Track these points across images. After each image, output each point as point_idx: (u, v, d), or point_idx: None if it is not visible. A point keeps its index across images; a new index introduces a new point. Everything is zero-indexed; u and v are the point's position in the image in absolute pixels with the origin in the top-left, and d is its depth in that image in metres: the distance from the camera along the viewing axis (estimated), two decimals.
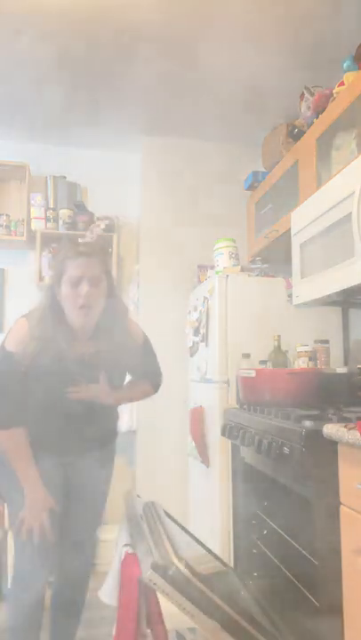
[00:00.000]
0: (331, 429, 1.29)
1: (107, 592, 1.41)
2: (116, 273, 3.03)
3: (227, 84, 2.57)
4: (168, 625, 1.28)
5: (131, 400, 1.84)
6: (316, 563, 1.34)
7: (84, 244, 1.64)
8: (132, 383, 1.79)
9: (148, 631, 1.25)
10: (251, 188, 2.94)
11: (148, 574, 1.12)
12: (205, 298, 2.51)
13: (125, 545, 1.34)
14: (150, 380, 1.77)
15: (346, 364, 2.37)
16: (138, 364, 1.71)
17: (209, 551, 1.71)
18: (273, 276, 2.54)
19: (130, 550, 1.30)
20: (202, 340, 2.54)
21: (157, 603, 1.25)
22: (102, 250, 1.72)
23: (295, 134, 2.43)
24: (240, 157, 3.17)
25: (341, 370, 2.08)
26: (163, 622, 1.25)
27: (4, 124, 2.96)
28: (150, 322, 2.98)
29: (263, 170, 2.84)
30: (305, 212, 1.94)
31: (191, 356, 2.82)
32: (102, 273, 1.50)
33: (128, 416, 2.93)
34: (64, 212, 3.01)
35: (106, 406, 1.64)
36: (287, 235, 2.17)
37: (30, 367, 1.47)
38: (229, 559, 2.12)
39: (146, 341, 1.75)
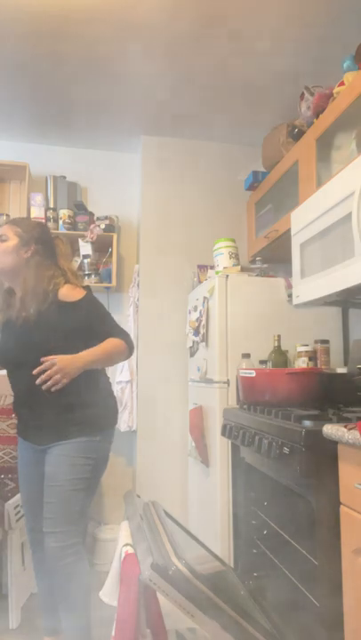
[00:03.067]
0: (331, 429, 1.29)
1: (107, 592, 1.41)
2: (115, 273, 3.04)
3: (227, 84, 2.57)
4: (168, 625, 1.28)
5: (98, 357, 1.71)
6: (316, 563, 1.34)
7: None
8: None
9: (148, 631, 1.25)
10: (251, 188, 2.95)
11: (148, 574, 1.12)
12: (205, 298, 2.51)
13: (125, 545, 1.34)
14: (117, 336, 1.76)
15: (346, 364, 2.37)
16: (84, 324, 1.73)
17: (209, 551, 1.71)
18: (273, 276, 2.54)
19: (130, 550, 1.31)
20: (202, 340, 2.54)
21: (157, 603, 1.25)
22: (21, 221, 1.85)
23: (295, 134, 2.43)
24: (240, 157, 3.17)
25: (341, 370, 2.08)
26: (163, 622, 1.25)
27: (4, 124, 2.96)
28: (150, 322, 2.99)
29: (263, 170, 2.84)
30: (305, 211, 1.94)
31: (191, 355, 2.82)
32: (14, 235, 1.77)
33: (128, 416, 2.93)
34: (64, 212, 3.01)
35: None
36: (287, 235, 2.17)
37: None
38: (229, 559, 2.12)
39: (88, 308, 1.77)
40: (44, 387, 1.65)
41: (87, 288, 1.83)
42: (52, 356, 1.65)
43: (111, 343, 1.75)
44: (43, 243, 1.81)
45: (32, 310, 1.70)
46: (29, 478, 1.84)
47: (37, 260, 1.77)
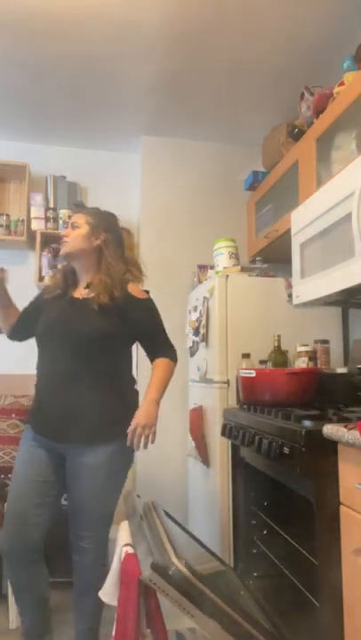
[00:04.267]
0: (331, 429, 1.29)
1: (107, 592, 1.41)
2: None
3: (227, 84, 2.57)
4: (168, 625, 1.28)
5: (162, 389, 1.79)
6: (316, 563, 1.34)
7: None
8: (152, 369, 1.83)
9: (148, 631, 1.25)
10: (251, 188, 2.94)
11: (148, 574, 1.12)
12: (205, 298, 2.51)
13: (125, 545, 1.34)
14: (163, 353, 1.84)
15: (346, 364, 2.37)
16: (140, 324, 1.81)
17: (209, 551, 1.71)
18: (273, 276, 2.54)
19: (130, 550, 1.31)
20: (202, 340, 2.54)
21: (157, 603, 1.25)
22: (96, 213, 1.94)
23: (295, 134, 2.43)
24: (240, 157, 3.17)
25: (341, 370, 2.07)
26: (163, 622, 1.25)
27: (4, 124, 2.96)
28: None
29: (263, 170, 2.84)
30: (305, 211, 1.94)
31: (191, 356, 2.82)
32: (85, 223, 1.83)
33: None
34: (64, 212, 3.01)
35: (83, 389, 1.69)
36: (287, 235, 2.17)
37: (43, 304, 1.88)
38: (229, 559, 2.12)
39: (152, 309, 1.87)
40: (137, 449, 1.68)
41: (147, 292, 1.92)
42: (131, 426, 1.66)
43: (163, 369, 1.81)
44: (112, 232, 1.88)
45: (106, 295, 1.74)
46: (35, 486, 1.68)
47: (108, 248, 1.84)
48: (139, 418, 1.67)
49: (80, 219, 1.85)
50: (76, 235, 1.81)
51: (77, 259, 1.84)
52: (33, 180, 3.07)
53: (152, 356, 1.85)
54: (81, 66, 2.41)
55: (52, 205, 3.06)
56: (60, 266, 2.15)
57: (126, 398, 1.79)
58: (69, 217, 2.99)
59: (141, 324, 1.81)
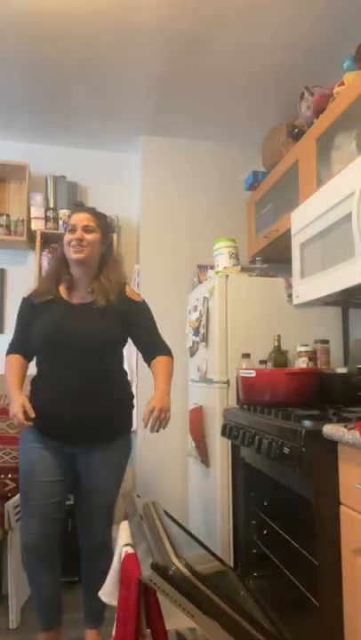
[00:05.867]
0: (331, 429, 1.29)
1: (107, 592, 1.41)
2: None
3: (227, 84, 2.57)
4: (168, 625, 1.28)
5: (170, 380, 1.87)
6: (316, 563, 1.34)
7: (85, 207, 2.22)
8: (155, 366, 1.88)
9: (148, 631, 1.25)
10: (251, 188, 2.94)
11: (148, 574, 1.12)
12: (205, 298, 2.51)
13: (125, 545, 1.34)
14: (165, 352, 1.91)
15: (346, 364, 2.37)
16: (141, 326, 1.87)
17: (209, 551, 1.71)
18: (273, 276, 2.54)
19: (130, 550, 1.31)
20: (202, 340, 2.54)
21: (157, 603, 1.25)
22: (100, 214, 1.89)
23: (295, 134, 2.43)
24: (240, 157, 3.17)
25: (341, 370, 2.08)
26: (163, 622, 1.25)
27: (4, 124, 2.96)
28: None
29: (263, 170, 2.84)
30: (305, 211, 1.94)
31: (191, 356, 2.82)
32: (97, 226, 1.80)
33: None
34: (64, 212, 3.01)
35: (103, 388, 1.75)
36: (287, 235, 2.17)
37: (35, 309, 1.80)
38: (229, 559, 2.12)
39: (150, 311, 1.91)
40: (152, 431, 1.74)
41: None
42: (148, 409, 1.73)
43: (168, 364, 1.88)
44: (110, 238, 1.92)
45: (104, 299, 1.77)
46: (51, 486, 1.72)
47: (111, 252, 1.89)
48: (155, 402, 1.74)
49: (91, 222, 1.79)
50: (93, 239, 1.78)
51: (89, 263, 1.80)
52: (33, 180, 3.07)
53: (153, 354, 1.90)
54: (81, 66, 2.41)
55: (51, 205, 3.06)
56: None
57: (128, 394, 1.88)
58: (69, 217, 3.01)
59: (142, 326, 1.88)
